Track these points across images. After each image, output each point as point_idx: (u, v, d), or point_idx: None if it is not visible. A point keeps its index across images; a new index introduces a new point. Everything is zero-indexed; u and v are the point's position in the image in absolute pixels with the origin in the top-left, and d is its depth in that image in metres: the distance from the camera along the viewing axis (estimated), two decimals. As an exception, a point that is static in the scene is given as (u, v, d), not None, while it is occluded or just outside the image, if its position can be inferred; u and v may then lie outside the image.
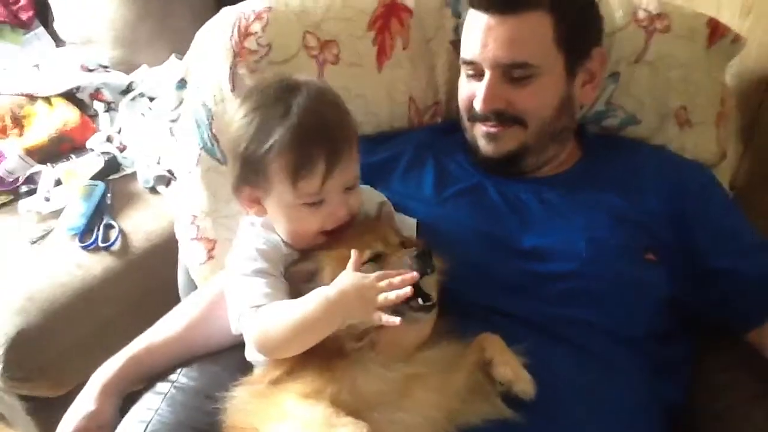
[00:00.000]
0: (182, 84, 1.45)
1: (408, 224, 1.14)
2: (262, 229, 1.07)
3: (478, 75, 1.22)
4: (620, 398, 1.05)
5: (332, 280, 0.94)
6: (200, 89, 1.38)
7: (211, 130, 1.37)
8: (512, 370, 0.96)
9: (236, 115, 1.02)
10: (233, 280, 1.02)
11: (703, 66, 1.40)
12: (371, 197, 1.13)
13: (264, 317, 0.95)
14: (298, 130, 0.96)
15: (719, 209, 1.27)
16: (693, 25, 1.39)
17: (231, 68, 1.33)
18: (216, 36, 1.36)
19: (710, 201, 1.27)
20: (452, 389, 0.97)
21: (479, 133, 1.26)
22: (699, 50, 1.39)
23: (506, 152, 1.25)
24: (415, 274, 0.91)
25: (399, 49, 1.41)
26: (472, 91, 1.24)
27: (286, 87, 1.01)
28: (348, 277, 0.92)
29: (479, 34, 1.19)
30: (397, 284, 0.89)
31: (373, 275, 0.92)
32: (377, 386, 0.94)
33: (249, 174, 1.01)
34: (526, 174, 1.29)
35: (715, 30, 1.39)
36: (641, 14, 1.38)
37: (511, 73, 1.18)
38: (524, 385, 0.96)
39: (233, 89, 1.34)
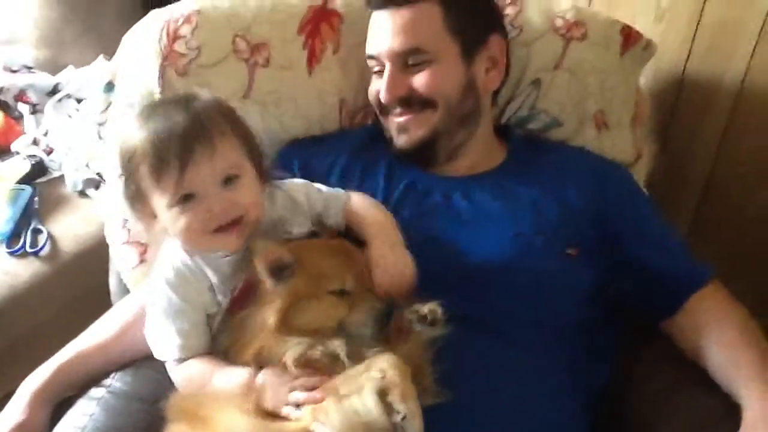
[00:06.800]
0: (110, 87, 1.44)
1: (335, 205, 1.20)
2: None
3: (382, 70, 1.30)
4: (543, 384, 1.11)
5: (284, 312, 0.99)
6: (129, 92, 1.37)
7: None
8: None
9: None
10: (150, 313, 1.11)
11: (617, 72, 1.47)
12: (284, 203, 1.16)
13: (189, 373, 1.08)
14: (151, 136, 1.01)
15: (637, 204, 1.35)
16: (608, 33, 1.46)
17: (160, 71, 1.33)
18: (144, 39, 1.36)
19: (629, 196, 1.36)
20: None
21: (392, 126, 1.34)
22: (613, 57, 1.47)
23: (418, 140, 1.31)
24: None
25: (329, 53, 1.43)
26: (378, 87, 1.32)
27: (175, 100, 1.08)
28: (268, 374, 1.00)
29: (377, 30, 1.30)
30: (310, 386, 0.97)
31: (291, 374, 0.98)
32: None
33: (131, 190, 1.06)
34: (438, 164, 1.34)
35: (628, 38, 1.47)
36: (559, 22, 1.45)
37: (407, 60, 1.27)
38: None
39: (162, 92, 1.33)
